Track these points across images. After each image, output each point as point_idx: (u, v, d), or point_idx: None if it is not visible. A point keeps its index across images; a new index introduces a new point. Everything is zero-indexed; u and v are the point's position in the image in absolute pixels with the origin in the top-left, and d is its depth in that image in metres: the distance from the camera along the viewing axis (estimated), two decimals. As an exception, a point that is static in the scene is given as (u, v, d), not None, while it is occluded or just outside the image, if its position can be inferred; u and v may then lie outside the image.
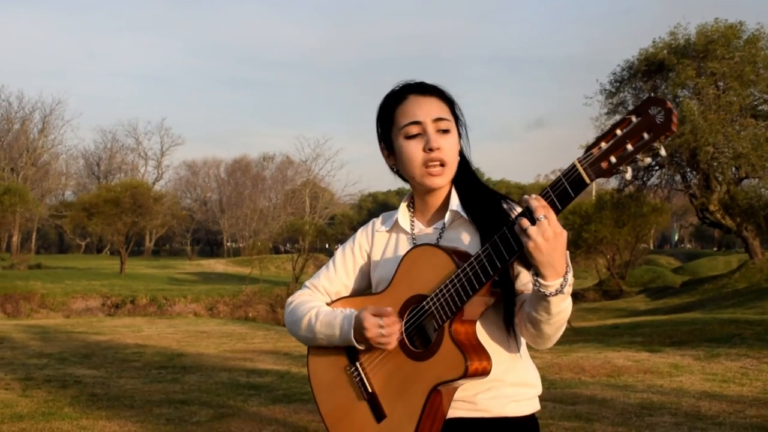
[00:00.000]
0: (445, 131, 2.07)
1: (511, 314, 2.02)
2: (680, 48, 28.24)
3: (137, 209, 42.31)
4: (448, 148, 2.06)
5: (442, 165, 2.06)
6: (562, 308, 1.83)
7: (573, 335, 13.63)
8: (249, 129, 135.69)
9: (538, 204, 1.74)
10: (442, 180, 2.09)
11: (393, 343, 2.02)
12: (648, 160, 1.67)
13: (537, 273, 1.78)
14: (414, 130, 2.07)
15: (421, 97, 2.09)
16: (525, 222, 1.74)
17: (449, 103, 2.12)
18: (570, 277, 1.80)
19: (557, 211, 1.75)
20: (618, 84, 30.24)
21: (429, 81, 2.16)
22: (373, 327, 2.01)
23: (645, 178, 30.33)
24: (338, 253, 2.31)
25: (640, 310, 27.08)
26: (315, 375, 2.26)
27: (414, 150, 2.07)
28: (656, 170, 29.66)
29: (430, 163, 2.05)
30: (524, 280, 2.00)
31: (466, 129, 2.16)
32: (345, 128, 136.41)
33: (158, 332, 15.47)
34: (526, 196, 1.77)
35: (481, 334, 2.01)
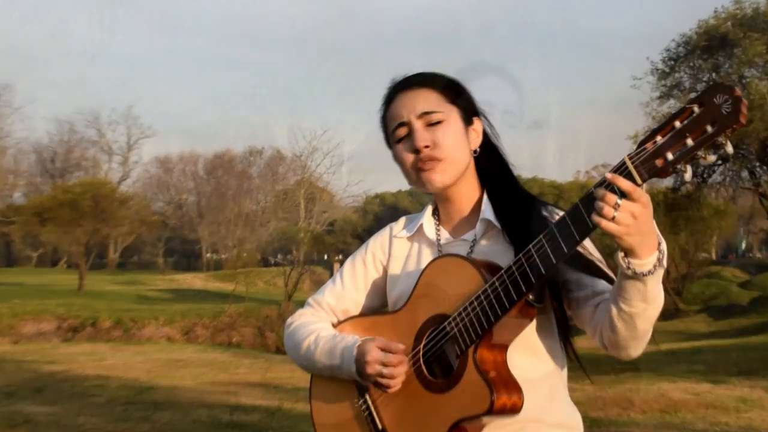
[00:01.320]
0: (436, 123, 2.09)
1: (566, 331, 2.05)
2: (747, 19, 28.19)
3: (99, 214, 42.44)
4: (441, 141, 2.08)
5: (433, 160, 2.08)
6: (658, 290, 1.82)
7: (619, 363, 13.58)
8: (232, 118, 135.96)
9: (606, 191, 1.70)
10: (440, 177, 2.10)
11: (395, 385, 2.03)
12: (712, 158, 1.68)
13: (627, 254, 1.76)
14: (402, 132, 2.12)
15: (407, 92, 2.13)
16: (608, 209, 1.69)
17: (445, 90, 2.13)
18: (664, 246, 1.79)
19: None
20: (672, 62, 30.19)
21: (437, 65, 2.19)
22: (374, 363, 2.03)
23: (705, 175, 30.27)
24: (347, 264, 2.33)
25: (701, 333, 27.01)
26: (318, 410, 2.27)
27: (403, 154, 2.12)
28: (719, 165, 29.61)
29: (420, 164, 2.09)
30: (586, 281, 2.00)
31: (486, 116, 2.18)
32: (347, 117, 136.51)
33: (124, 361, 15.51)
34: (608, 175, 1.72)
35: (515, 363, 2.01)
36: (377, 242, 2.31)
